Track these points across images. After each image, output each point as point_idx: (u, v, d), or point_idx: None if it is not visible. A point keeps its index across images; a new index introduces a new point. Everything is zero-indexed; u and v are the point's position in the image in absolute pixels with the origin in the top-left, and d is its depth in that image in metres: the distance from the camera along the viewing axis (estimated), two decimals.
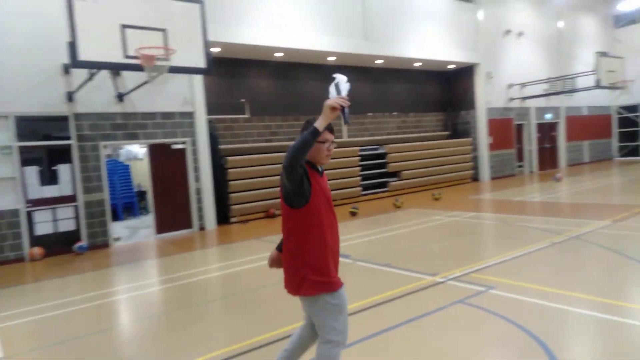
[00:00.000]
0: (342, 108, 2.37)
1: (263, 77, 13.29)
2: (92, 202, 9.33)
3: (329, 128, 2.59)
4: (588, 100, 21.57)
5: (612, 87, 16.33)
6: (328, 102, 2.34)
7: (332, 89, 2.48)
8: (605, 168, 19.38)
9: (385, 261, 6.50)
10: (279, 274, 2.75)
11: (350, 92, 2.51)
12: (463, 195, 13.71)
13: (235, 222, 11.42)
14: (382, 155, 14.91)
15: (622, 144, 23.88)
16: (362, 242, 8.16)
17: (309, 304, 2.59)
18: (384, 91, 16.07)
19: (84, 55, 6.68)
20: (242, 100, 12.65)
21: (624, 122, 23.71)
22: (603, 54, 16.38)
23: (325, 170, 2.80)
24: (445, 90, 18.00)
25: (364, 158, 14.38)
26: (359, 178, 14.09)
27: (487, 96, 17.29)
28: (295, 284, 2.58)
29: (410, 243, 7.78)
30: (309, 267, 2.52)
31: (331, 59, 13.77)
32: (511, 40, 18.28)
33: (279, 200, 11.24)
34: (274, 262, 2.88)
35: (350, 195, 13.66)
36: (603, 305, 4.32)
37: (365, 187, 14.40)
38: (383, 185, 14.92)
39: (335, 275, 2.61)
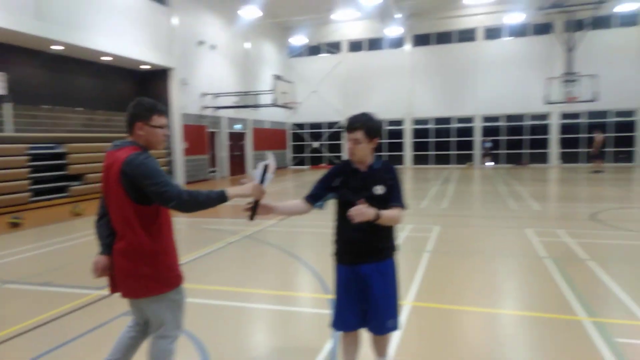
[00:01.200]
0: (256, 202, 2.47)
1: None
2: None
3: (163, 111, 2.49)
4: (270, 115, 24.91)
5: (285, 106, 19.36)
6: (250, 189, 2.47)
7: (259, 169, 2.49)
8: (282, 175, 22.77)
9: (45, 279, 5.54)
10: None
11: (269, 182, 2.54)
12: None
13: None
14: (61, 156, 12.97)
15: (294, 155, 28.70)
16: (21, 259, 6.76)
17: (151, 303, 2.44)
18: (66, 82, 14.06)
19: None
20: None
21: (295, 137, 28.57)
22: (278, 77, 19.24)
23: None
24: (140, 91, 17.25)
25: (36, 158, 12.16)
26: (27, 181, 11.79)
27: (182, 102, 17.57)
28: (140, 285, 2.39)
29: (83, 255, 6.94)
30: (160, 265, 2.41)
31: None
32: (205, 51, 19.20)
33: None
34: (105, 270, 2.51)
35: (14, 202, 11.27)
36: (274, 297, 4.88)
37: (39, 192, 12.20)
38: (62, 189, 12.99)
39: (180, 269, 2.56)
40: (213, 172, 20.35)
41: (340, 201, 2.74)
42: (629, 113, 23.03)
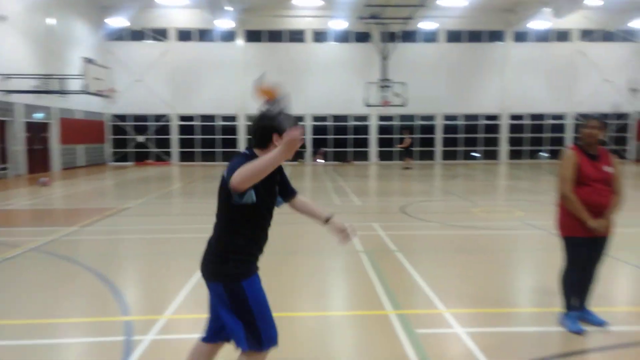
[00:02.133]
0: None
1: None
2: None
3: None
4: (82, 104, 21.72)
5: (99, 94, 17.05)
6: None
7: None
8: (98, 172, 20.08)
9: None
10: None
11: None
12: None
13: None
14: None
15: (115, 150, 25.72)
16: None
17: None
18: None
19: None
20: None
21: (116, 129, 25.63)
22: (89, 61, 16.82)
23: None
24: None
25: None
26: None
27: None
28: None
29: None
30: None
31: None
32: None
33: None
34: None
35: None
36: (39, 328, 3.85)
37: None
38: None
39: None
40: (4, 169, 16.81)
41: (257, 206, 2.29)
42: (429, 117, 26.67)
